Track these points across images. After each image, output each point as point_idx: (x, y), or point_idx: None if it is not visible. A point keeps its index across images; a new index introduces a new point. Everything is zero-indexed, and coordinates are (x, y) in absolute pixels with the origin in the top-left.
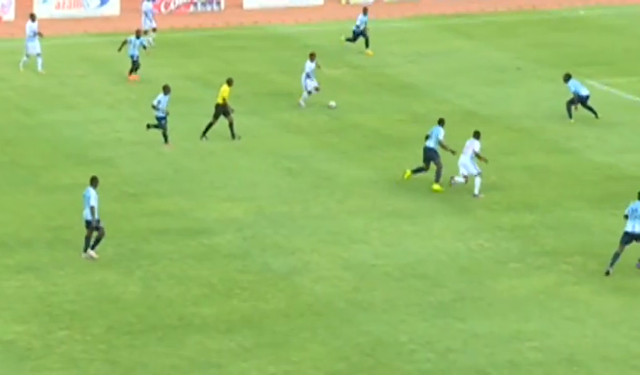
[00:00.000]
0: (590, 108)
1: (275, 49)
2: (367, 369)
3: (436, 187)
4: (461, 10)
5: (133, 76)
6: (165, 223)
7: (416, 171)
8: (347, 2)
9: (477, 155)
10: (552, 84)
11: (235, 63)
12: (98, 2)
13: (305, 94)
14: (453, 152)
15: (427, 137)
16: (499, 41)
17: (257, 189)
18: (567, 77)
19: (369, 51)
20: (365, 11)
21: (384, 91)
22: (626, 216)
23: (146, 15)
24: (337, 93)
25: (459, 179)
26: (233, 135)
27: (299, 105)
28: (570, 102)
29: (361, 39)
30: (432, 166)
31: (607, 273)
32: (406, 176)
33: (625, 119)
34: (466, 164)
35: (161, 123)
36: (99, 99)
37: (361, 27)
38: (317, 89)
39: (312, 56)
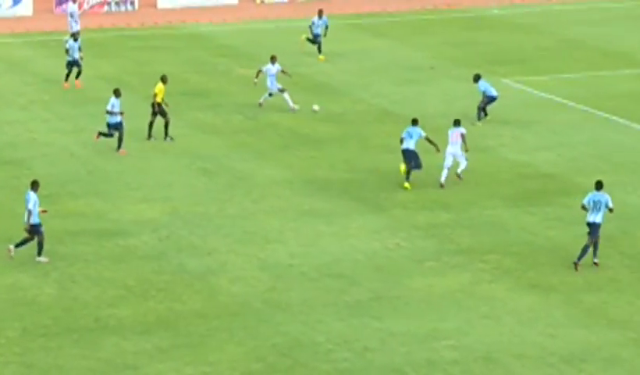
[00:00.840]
0: (483, 110)
1: (190, 49)
2: (284, 369)
3: (407, 185)
4: (377, 9)
5: (77, 82)
6: (80, 224)
7: (408, 174)
8: (262, 2)
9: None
10: (467, 83)
11: (149, 63)
12: (11, 3)
13: (266, 95)
14: (436, 146)
15: (401, 140)
16: (413, 40)
17: (173, 190)
18: (477, 78)
19: (321, 56)
20: (320, 13)
21: (300, 90)
22: (583, 207)
23: (71, 16)
24: (252, 92)
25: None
26: (166, 135)
27: (259, 104)
28: (482, 104)
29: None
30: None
31: (575, 267)
32: (402, 172)
33: (539, 118)
34: (456, 153)
35: (117, 128)
36: (12, 100)
37: (319, 30)
38: (281, 91)
39: (273, 59)
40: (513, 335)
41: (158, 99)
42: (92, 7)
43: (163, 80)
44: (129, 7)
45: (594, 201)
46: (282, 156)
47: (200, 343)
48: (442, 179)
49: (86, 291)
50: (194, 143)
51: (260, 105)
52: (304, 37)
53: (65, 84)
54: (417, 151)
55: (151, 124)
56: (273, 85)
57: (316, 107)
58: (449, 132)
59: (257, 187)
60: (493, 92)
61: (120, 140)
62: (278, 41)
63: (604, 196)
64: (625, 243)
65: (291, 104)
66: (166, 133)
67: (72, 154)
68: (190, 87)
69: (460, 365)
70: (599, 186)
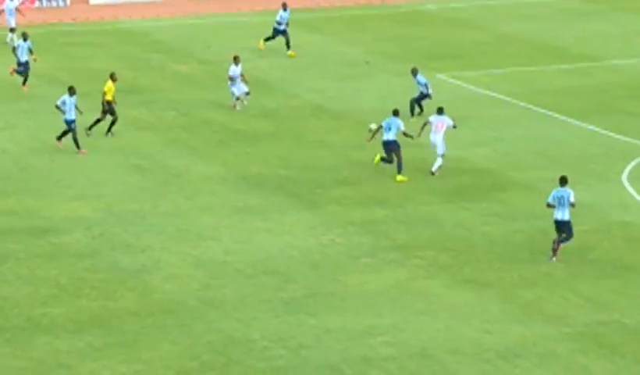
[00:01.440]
0: (414, 106)
1: (123, 45)
2: (219, 367)
3: (400, 177)
4: (310, 5)
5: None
6: (12, 222)
7: (384, 160)
8: None
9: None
10: (402, 78)
11: (82, 60)
12: None
13: (234, 99)
14: (412, 137)
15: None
16: (348, 36)
17: (106, 187)
18: (415, 71)
19: (291, 52)
20: (285, 6)
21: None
22: (549, 205)
23: (10, 13)
24: (186, 88)
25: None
26: (109, 130)
27: (234, 108)
28: (417, 100)
29: (282, 38)
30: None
31: (552, 258)
32: (375, 162)
33: (474, 113)
34: (438, 142)
35: (71, 127)
36: None
37: (282, 25)
38: (247, 94)
39: (236, 59)
40: (449, 331)
41: (108, 97)
42: (23, 3)
43: (112, 77)
44: (61, 3)
45: (558, 198)
46: (216, 152)
47: (134, 341)
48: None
49: (17, 289)
50: (128, 140)
51: (234, 107)
52: (262, 41)
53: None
54: (398, 141)
55: (97, 120)
56: (239, 86)
57: (373, 125)
58: (432, 120)
59: (191, 183)
60: (429, 89)
61: (75, 139)
62: (211, 36)
63: (567, 191)
64: None
65: (237, 106)
66: (109, 129)
67: (3, 151)
68: (123, 83)
69: (395, 361)
70: (563, 182)
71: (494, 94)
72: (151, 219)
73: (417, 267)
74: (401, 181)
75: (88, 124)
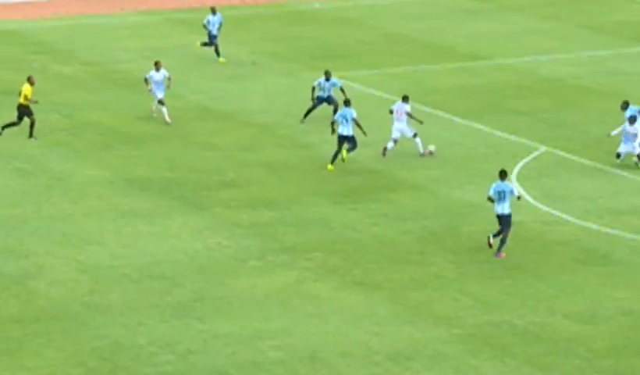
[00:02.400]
0: (310, 111)
1: (4, 46)
2: (105, 373)
3: (330, 167)
4: (195, 4)
5: None
6: None
7: (334, 157)
8: None
9: (410, 116)
10: (289, 79)
11: None
12: None
13: (155, 105)
14: (364, 133)
15: (333, 123)
16: (234, 35)
17: None
18: (328, 75)
19: (221, 59)
20: (214, 10)
21: (118, 87)
22: (489, 199)
23: None
24: (70, 90)
25: (389, 145)
26: (31, 134)
27: (152, 114)
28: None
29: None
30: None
31: (488, 242)
32: (344, 158)
33: (362, 113)
34: (402, 128)
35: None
36: None
37: (214, 30)
38: (160, 102)
39: (157, 65)
40: (339, 334)
41: (22, 100)
42: None
43: (30, 81)
44: None
45: (498, 192)
46: (101, 155)
47: (18, 348)
48: (389, 145)
49: None
50: (10, 143)
51: (153, 115)
52: (198, 43)
53: None
54: (354, 134)
55: (32, 124)
56: (159, 92)
57: (432, 148)
58: (394, 108)
59: (76, 187)
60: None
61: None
62: (95, 37)
63: (507, 185)
64: (450, 239)
65: (154, 113)
66: (31, 134)
67: None
68: (4, 85)
69: (285, 365)
70: (502, 175)
71: (382, 93)
72: (34, 224)
73: (306, 270)
74: (330, 171)
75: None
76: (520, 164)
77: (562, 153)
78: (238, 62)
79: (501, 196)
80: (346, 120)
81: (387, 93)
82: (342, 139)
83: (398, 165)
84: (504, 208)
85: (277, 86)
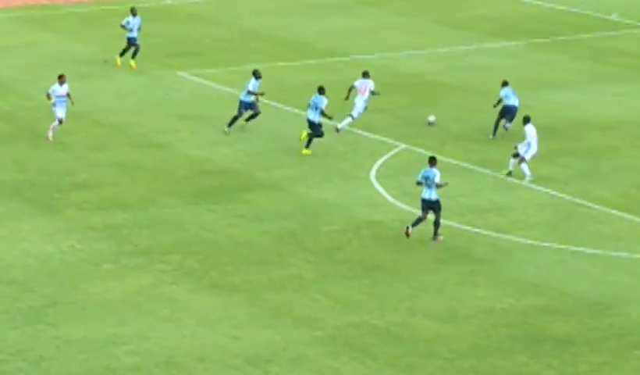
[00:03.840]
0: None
1: None
2: None
3: (306, 151)
4: (44, 2)
5: None
6: None
7: (309, 142)
8: None
9: (373, 93)
10: (141, 77)
11: None
12: None
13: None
14: (330, 118)
15: (309, 105)
16: (84, 34)
17: None
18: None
19: (133, 62)
20: (134, 12)
21: None
22: (419, 183)
23: None
24: None
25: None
26: None
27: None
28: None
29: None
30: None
31: (407, 234)
32: (302, 138)
33: (218, 112)
34: (358, 105)
35: None
36: None
37: (134, 32)
38: (60, 122)
39: (61, 78)
40: (196, 338)
41: None
42: None
43: None
44: None
45: (425, 177)
46: None
47: None
48: (342, 124)
49: None
50: None
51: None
52: (117, 56)
53: None
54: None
55: None
56: (60, 109)
57: (432, 118)
58: (357, 84)
59: None
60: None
61: None
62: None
63: (432, 172)
64: (308, 239)
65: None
66: None
67: None
68: None
69: (141, 370)
70: (431, 161)
71: (237, 91)
72: None
73: (161, 272)
74: (306, 154)
75: None
76: (379, 162)
77: (421, 150)
78: (88, 60)
79: (427, 182)
80: (316, 107)
81: (242, 91)
82: (309, 122)
83: (255, 164)
84: (431, 194)
85: (129, 84)
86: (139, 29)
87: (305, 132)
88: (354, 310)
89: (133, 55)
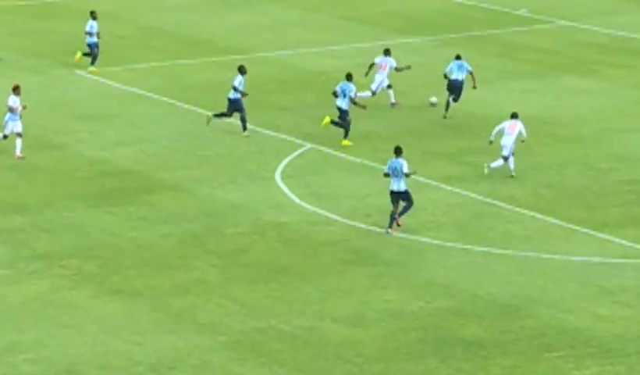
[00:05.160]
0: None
1: None
2: None
3: (346, 142)
4: None
5: None
6: None
7: (335, 123)
8: None
9: (397, 69)
10: (38, 76)
11: None
12: None
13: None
14: (363, 107)
15: (335, 93)
16: None
17: None
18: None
19: (93, 67)
20: (94, 15)
21: None
22: (386, 175)
23: None
24: None
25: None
26: None
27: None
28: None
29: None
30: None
31: (397, 222)
32: (324, 123)
33: (118, 111)
34: (378, 80)
35: None
36: None
37: (95, 36)
38: (19, 135)
39: (16, 89)
40: (97, 344)
41: None
42: None
43: None
44: None
45: (392, 168)
46: None
47: None
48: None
49: None
50: None
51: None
52: (79, 54)
53: None
54: (348, 108)
55: None
56: (13, 122)
57: (433, 99)
58: (378, 61)
59: None
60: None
61: None
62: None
63: (399, 162)
64: (212, 241)
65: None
66: None
67: None
68: None
69: None
70: (397, 152)
71: (138, 90)
72: None
73: (61, 277)
74: (346, 145)
75: None
76: (285, 162)
77: (327, 150)
78: None
79: (395, 173)
80: (344, 95)
81: (144, 90)
82: (339, 110)
83: (157, 165)
84: (399, 185)
85: (25, 84)
86: (98, 34)
87: (328, 118)
88: (260, 314)
89: (93, 61)
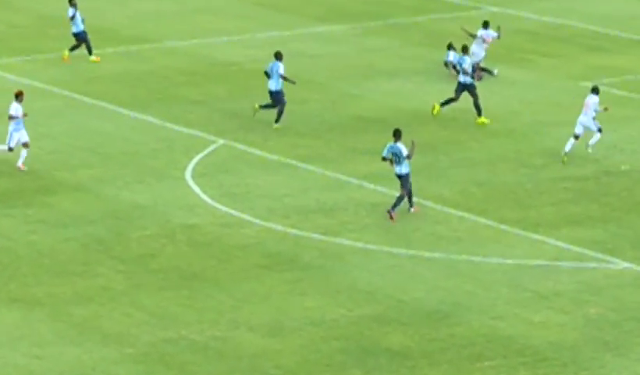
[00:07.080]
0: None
1: None
2: None
3: (482, 120)
4: None
5: None
6: None
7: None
8: None
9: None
10: None
11: None
12: None
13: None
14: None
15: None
16: None
17: None
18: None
19: (94, 57)
20: (73, 3)
21: None
22: (384, 159)
23: None
24: None
25: None
26: None
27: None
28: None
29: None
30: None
31: (390, 215)
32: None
33: (39, 106)
34: (477, 53)
35: None
36: None
37: (81, 25)
38: (26, 145)
39: (19, 96)
40: None
41: None
42: None
43: None
44: None
45: (393, 153)
46: None
47: None
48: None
49: None
50: None
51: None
52: (66, 52)
53: None
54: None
55: None
56: (17, 132)
57: (496, 71)
58: (481, 33)
59: None
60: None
61: None
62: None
63: (398, 147)
64: (118, 246)
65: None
66: None
67: None
68: None
69: None
70: (396, 135)
71: (35, 83)
72: None
73: None
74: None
75: None
76: (195, 159)
77: (241, 146)
78: None
79: (396, 157)
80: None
81: (42, 82)
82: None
83: (56, 164)
84: (402, 168)
85: None
86: (83, 20)
87: (437, 105)
88: (170, 324)
89: (89, 51)
